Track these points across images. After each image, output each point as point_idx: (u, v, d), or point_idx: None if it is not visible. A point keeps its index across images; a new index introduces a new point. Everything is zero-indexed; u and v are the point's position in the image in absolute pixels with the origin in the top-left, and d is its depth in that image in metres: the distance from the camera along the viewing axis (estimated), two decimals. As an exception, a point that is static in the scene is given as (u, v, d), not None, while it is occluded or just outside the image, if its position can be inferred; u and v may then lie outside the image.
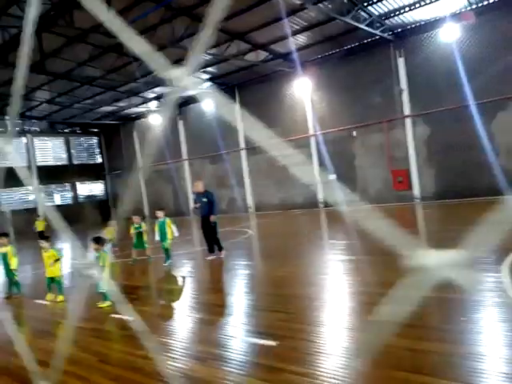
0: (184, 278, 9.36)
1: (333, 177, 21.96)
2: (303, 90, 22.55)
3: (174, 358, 4.79)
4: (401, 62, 19.39)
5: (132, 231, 11.50)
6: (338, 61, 20.95)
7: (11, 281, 8.85)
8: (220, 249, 10.78)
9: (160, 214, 11.03)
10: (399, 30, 19.00)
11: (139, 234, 11.46)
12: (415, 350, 4.25)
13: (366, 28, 17.04)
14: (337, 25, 17.29)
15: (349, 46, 20.43)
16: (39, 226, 20.46)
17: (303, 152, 23.09)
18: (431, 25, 18.17)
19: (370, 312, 5.58)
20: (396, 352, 4.23)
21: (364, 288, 6.70)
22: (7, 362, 5.20)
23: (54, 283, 8.17)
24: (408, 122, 19.58)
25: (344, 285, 7.15)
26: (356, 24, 16.49)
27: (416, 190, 19.81)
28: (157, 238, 10.81)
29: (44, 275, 8.44)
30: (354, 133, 21.20)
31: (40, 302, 8.17)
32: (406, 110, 19.51)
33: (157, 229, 10.81)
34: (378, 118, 20.08)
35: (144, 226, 11.55)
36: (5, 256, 8.74)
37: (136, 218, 11.61)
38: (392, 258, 6.65)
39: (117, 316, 6.74)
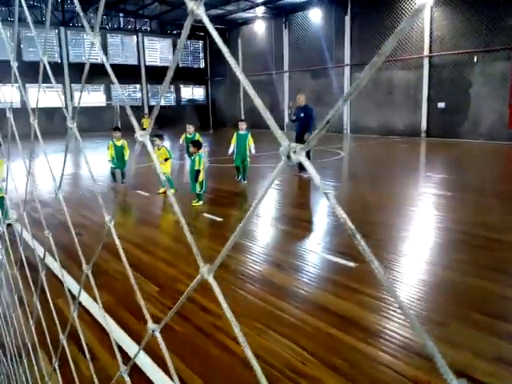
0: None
1: (442, 105, 20.28)
2: (423, 3, 20.23)
3: (255, 261, 5.11)
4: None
5: (182, 140, 11.32)
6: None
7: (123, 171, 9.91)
8: (304, 168, 10.70)
9: (243, 125, 10.15)
10: None
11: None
12: (501, 296, 4.08)
13: None
14: None
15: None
16: (145, 123, 21.86)
17: (414, 74, 21.36)
18: None
19: (457, 250, 5.39)
20: (479, 294, 4.11)
21: (455, 225, 6.41)
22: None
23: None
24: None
25: (434, 220, 6.89)
26: None
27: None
28: (231, 150, 9.91)
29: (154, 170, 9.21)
30: (476, 58, 18.95)
31: (143, 193, 8.99)
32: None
33: (234, 141, 9.91)
34: (507, 43, 17.60)
35: (199, 137, 10.55)
36: (121, 148, 9.70)
37: (190, 128, 11.00)
38: (490, 200, 6.23)
39: (207, 215, 7.24)
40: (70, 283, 4.38)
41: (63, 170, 1.07)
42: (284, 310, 3.87)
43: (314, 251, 5.44)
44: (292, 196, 9.42)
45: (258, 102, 0.53)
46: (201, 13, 0.55)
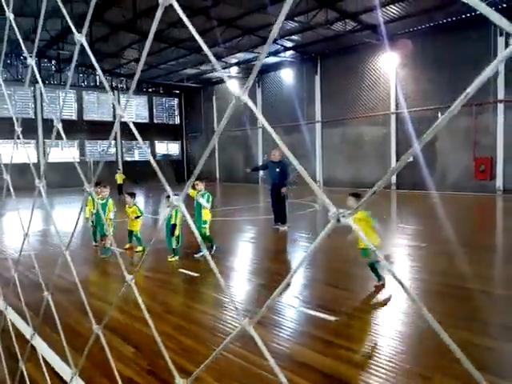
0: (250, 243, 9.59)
1: (410, 158, 21.06)
2: (389, 65, 21.53)
3: (234, 317, 5.00)
4: (500, 41, 17.77)
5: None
6: (430, 36, 19.65)
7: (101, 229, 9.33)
8: (284, 222, 10.77)
9: (200, 185, 8.14)
10: (504, 5, 17.35)
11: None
12: (479, 346, 4.08)
13: (466, 0, 15.71)
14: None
15: (443, 21, 19.03)
16: (119, 178, 21.76)
17: (382, 130, 22.29)
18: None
19: (434, 301, 5.42)
20: (458, 345, 4.09)
21: (430, 276, 6.48)
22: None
23: (133, 236, 8.82)
24: (500, 107, 18.10)
25: (409, 271, 6.95)
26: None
27: (499, 181, 18.48)
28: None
29: (125, 226, 9.05)
30: (439, 114, 20.00)
31: (116, 249, 8.79)
32: (500, 95, 18.00)
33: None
34: (468, 100, 18.48)
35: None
36: (104, 206, 9.00)
37: (198, 184, 8.26)
38: (461, 250, 6.34)
39: (183, 271, 7.11)
40: (42, 347, 4.16)
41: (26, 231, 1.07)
42: (265, 368, 3.75)
43: (293, 305, 5.37)
44: (268, 249, 9.39)
45: (298, 166, 0.60)
46: (246, 98, 0.66)
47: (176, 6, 0.75)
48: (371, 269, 5.97)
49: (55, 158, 28.87)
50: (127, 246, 8.88)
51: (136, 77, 0.84)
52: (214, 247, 8.21)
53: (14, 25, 1.28)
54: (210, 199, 8.10)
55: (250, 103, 0.63)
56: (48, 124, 28.52)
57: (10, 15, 1.31)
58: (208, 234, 8.19)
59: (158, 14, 0.81)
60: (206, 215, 8.11)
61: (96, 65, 1.08)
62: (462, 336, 4.27)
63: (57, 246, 9.41)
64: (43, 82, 28.70)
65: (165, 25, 20.27)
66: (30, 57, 1.18)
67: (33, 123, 28.05)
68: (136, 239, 8.84)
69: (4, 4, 1.35)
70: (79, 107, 31.14)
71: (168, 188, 0.71)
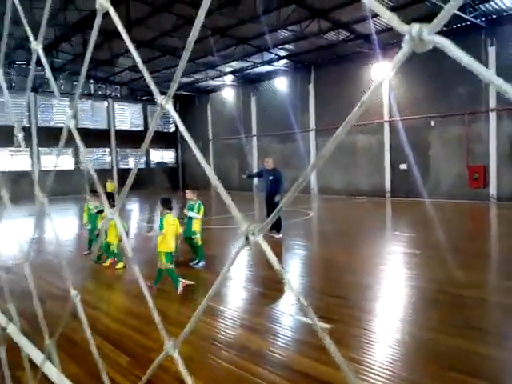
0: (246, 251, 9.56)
1: (403, 166, 21.19)
2: (381, 74, 21.64)
3: (228, 325, 4.97)
4: (492, 51, 18.00)
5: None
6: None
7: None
8: (279, 229, 10.76)
9: (190, 194, 8.13)
10: (494, 16, 17.60)
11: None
12: (477, 354, 4.09)
13: (458, 12, 15.94)
14: (422, 7, 16.33)
15: (440, 30, 19.20)
16: (109, 187, 21.62)
17: (376, 138, 22.42)
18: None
19: (430, 308, 5.43)
20: (453, 352, 4.11)
21: (425, 284, 6.49)
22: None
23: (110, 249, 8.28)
24: (493, 116, 18.28)
25: (405, 278, 6.96)
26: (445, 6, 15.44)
27: (492, 189, 18.61)
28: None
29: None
30: (433, 122, 20.18)
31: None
32: (492, 103, 18.20)
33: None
34: (460, 109, 18.91)
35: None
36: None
37: (188, 193, 8.28)
38: (456, 257, 6.36)
39: (180, 279, 7.06)
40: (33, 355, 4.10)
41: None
42: (261, 376, 3.73)
43: (289, 313, 5.36)
44: (263, 258, 9.34)
45: (219, 186, 0.59)
46: (169, 108, 0.66)
47: (112, 13, 0.76)
48: (168, 273, 6.45)
49: (49, 166, 28.77)
50: (108, 262, 8.16)
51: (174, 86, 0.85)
52: (201, 263, 7.95)
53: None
54: (202, 208, 8.01)
55: (173, 112, 0.65)
56: (43, 132, 28.43)
57: None
58: (200, 243, 8.05)
59: (97, 20, 0.81)
60: (197, 226, 7.97)
61: (50, 75, 1.09)
62: (458, 343, 4.27)
63: (53, 255, 9.34)
64: (35, 91, 28.68)
65: (157, 33, 20.35)
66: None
67: (27, 131, 27.95)
68: (112, 254, 8.11)
69: None
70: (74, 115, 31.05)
71: (105, 201, 0.72)
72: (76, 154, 30.52)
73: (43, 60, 1.08)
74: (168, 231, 6.55)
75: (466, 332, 4.55)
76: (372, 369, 3.73)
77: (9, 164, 25.30)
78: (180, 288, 6.33)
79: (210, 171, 0.59)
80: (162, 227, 6.56)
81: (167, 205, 6.91)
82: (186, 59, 0.65)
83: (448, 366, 3.80)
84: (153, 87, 0.73)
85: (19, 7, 1.14)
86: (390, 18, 0.45)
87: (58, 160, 29.47)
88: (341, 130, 0.42)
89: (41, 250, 10.36)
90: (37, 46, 1.06)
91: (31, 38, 1.13)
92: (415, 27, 0.41)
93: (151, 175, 33.66)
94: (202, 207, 8.06)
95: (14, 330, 1.20)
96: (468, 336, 4.45)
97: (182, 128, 0.65)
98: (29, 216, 16.55)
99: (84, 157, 31.07)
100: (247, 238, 0.49)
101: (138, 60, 0.74)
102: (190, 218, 7.93)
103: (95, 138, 30.22)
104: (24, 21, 1.16)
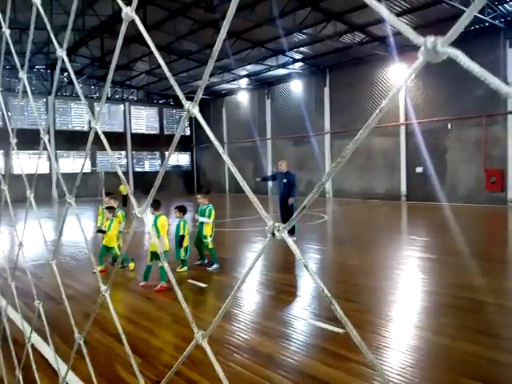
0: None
1: (419, 170, 20.95)
2: (398, 76, 21.54)
3: (241, 329, 4.97)
4: (510, 52, 17.73)
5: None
6: (440, 47, 19.62)
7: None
8: (293, 232, 10.72)
9: (201, 199, 8.20)
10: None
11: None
12: (492, 361, 4.01)
13: (476, 14, 15.70)
14: (441, 9, 16.16)
15: (449, 43, 18.97)
16: (123, 190, 21.80)
17: (391, 141, 22.22)
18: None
19: (445, 314, 5.35)
20: (470, 359, 4.04)
21: (441, 289, 6.40)
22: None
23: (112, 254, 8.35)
24: (510, 118, 17.97)
25: (420, 283, 6.88)
26: (465, 9, 15.25)
27: (510, 193, 18.28)
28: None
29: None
30: (450, 125, 19.92)
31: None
32: (510, 106, 17.89)
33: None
34: (477, 111, 18.62)
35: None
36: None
37: (200, 198, 8.28)
38: (472, 262, 6.25)
39: (192, 281, 7.10)
40: (50, 356, 4.17)
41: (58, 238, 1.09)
42: (273, 380, 3.72)
43: (302, 317, 5.33)
44: (277, 261, 9.35)
45: (246, 189, 0.60)
46: (196, 112, 0.69)
47: (138, 22, 0.80)
48: (146, 267, 6.98)
49: (67, 168, 29.23)
50: (131, 266, 8.09)
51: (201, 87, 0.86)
52: (214, 266, 7.96)
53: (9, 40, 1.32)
54: (212, 213, 8.07)
55: (199, 117, 0.69)
56: (60, 135, 28.90)
57: (7, 31, 1.35)
58: (211, 246, 8.08)
59: (123, 28, 0.84)
60: (208, 230, 8.06)
61: (74, 78, 1.12)
62: (474, 350, 4.20)
63: (70, 257, 9.47)
64: (55, 94, 29.14)
65: (173, 37, 20.54)
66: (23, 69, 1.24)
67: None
68: (116, 256, 8.06)
69: (1, 21, 1.39)
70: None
71: (134, 201, 0.75)
72: (93, 157, 30.96)
73: (68, 65, 1.12)
74: (162, 232, 6.98)
75: (482, 338, 4.47)
76: (384, 374, 3.69)
77: (27, 166, 25.74)
78: (141, 284, 6.93)
79: (239, 177, 0.61)
80: (158, 230, 6.90)
81: (157, 207, 7.20)
82: (211, 66, 0.68)
83: (462, 373, 3.74)
84: (178, 92, 0.77)
85: (44, 15, 1.18)
86: (405, 30, 0.46)
87: (75, 163, 29.93)
88: (361, 133, 0.45)
89: (57, 251, 10.51)
90: (62, 53, 1.11)
91: (56, 45, 1.17)
92: (429, 40, 0.43)
93: (167, 179, 33.94)
94: (214, 211, 8.12)
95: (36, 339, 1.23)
96: (484, 343, 4.37)
97: (209, 132, 0.70)
98: (47, 218, 16.79)
99: (112, 159, 31.17)
100: (273, 235, 0.53)
101: (163, 64, 0.78)
102: (202, 223, 8.04)
103: (111, 141, 30.29)
104: (49, 27, 1.20)
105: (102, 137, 0.93)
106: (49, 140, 1.11)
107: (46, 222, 15.70)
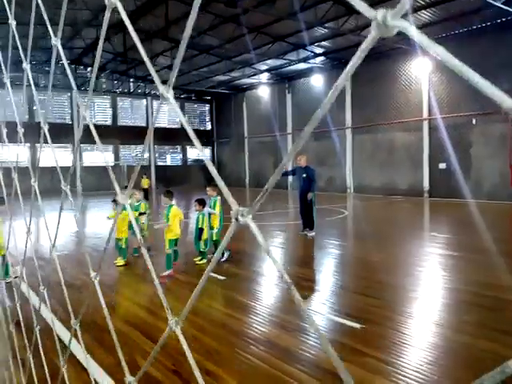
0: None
1: (443, 166, 20.58)
2: (421, 71, 21.15)
3: (259, 322, 5.00)
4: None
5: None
6: (464, 41, 19.15)
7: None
8: (312, 227, 10.69)
9: (210, 191, 8.35)
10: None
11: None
12: (507, 358, 3.94)
13: (503, 6, 15.29)
14: (465, 2, 15.78)
15: (477, 26, 18.54)
16: (144, 183, 22.10)
17: (414, 136, 21.87)
18: None
19: (466, 312, 5.27)
20: (489, 358, 3.98)
21: (463, 286, 6.30)
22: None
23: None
24: (539, 113, 17.45)
25: (441, 280, 6.78)
26: (491, 1, 14.87)
27: (537, 190, 17.81)
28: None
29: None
30: (474, 120, 19.48)
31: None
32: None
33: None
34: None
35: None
36: (138, 208, 8.92)
37: (209, 190, 8.43)
38: (496, 260, 6.11)
39: (211, 274, 7.16)
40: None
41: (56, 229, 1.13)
42: (290, 374, 3.74)
43: (320, 312, 5.33)
44: (296, 255, 9.36)
45: (218, 178, 0.61)
46: (170, 96, 0.70)
47: (120, 9, 0.80)
48: (166, 257, 7.17)
49: (91, 161, 29.78)
50: (122, 261, 7.98)
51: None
52: (226, 254, 8.06)
53: (15, 33, 1.35)
54: (217, 204, 8.12)
55: (172, 100, 0.69)
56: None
57: (13, 22, 1.38)
58: (216, 238, 8.11)
59: (107, 15, 0.85)
60: (214, 222, 8.12)
61: (66, 65, 1.14)
62: (495, 348, 4.13)
63: (92, 248, 9.66)
64: (79, 89, 29.65)
65: (194, 32, 20.59)
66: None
67: (69, 128, 28.98)
68: (119, 249, 8.04)
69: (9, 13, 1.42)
70: (113, 113, 32.02)
71: (117, 188, 0.77)
72: (116, 151, 31.44)
73: (62, 55, 1.14)
74: (174, 221, 7.24)
75: (503, 337, 4.40)
76: (401, 371, 3.67)
77: (48, 159, 26.37)
78: (165, 273, 6.98)
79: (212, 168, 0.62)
80: (168, 219, 7.18)
81: (170, 197, 7.41)
82: (183, 48, 0.68)
83: (483, 372, 3.67)
84: (155, 76, 0.76)
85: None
86: (356, 3, 0.46)
87: (103, 156, 30.41)
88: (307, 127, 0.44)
89: (79, 241, 10.74)
90: (56, 42, 1.13)
91: (52, 33, 1.18)
92: (380, 13, 0.42)
93: (188, 172, 34.25)
94: (218, 203, 8.16)
95: (45, 311, 1.27)
96: (505, 341, 4.29)
97: (183, 120, 0.69)
98: (70, 210, 17.04)
99: (147, 152, 31.85)
100: (237, 220, 0.54)
101: (140, 47, 0.78)
102: (209, 215, 8.11)
103: (134, 135, 31.02)
104: (45, 16, 1.22)
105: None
106: (59, 137, 1.13)
107: (69, 214, 16.02)
